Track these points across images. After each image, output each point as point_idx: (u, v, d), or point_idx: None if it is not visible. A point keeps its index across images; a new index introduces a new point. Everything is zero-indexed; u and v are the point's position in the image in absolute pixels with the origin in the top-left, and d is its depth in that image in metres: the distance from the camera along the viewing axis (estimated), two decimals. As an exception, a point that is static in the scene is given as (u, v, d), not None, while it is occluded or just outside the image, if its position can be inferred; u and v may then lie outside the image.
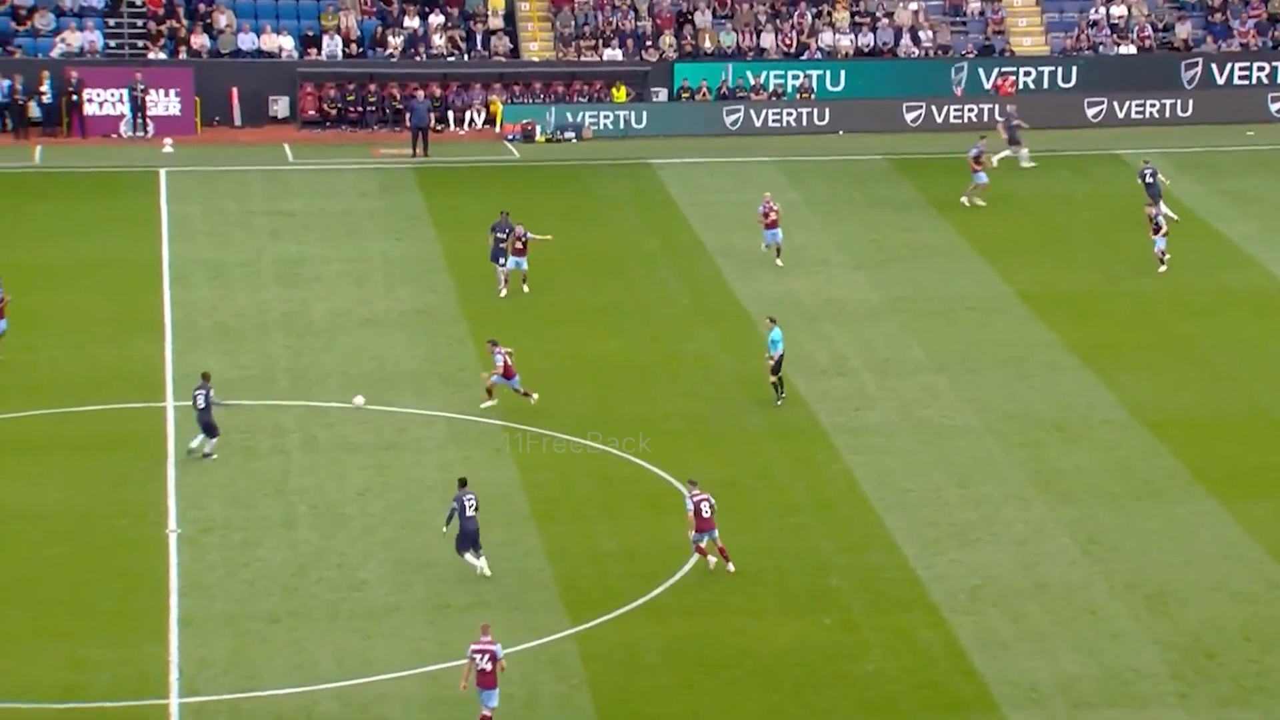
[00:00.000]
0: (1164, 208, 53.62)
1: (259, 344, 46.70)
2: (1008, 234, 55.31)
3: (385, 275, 51.71)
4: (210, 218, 56.37)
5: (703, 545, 35.51)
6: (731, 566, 35.40)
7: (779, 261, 51.61)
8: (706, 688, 31.97)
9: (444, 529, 35.58)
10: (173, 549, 36.31)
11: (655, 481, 39.32)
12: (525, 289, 49.46)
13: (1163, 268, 51.45)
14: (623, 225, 56.53)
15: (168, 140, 63.41)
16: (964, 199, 57.51)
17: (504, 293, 49.21)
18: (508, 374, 42.08)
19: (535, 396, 42.08)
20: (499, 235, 49.51)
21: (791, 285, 50.70)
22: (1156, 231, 51.56)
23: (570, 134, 65.43)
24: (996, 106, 65.32)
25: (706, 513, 35.22)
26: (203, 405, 39.47)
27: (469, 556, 35.15)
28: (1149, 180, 55.20)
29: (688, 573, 35.67)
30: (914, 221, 56.95)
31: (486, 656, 30.00)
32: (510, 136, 65.35)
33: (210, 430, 39.51)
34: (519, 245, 49.28)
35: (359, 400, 39.94)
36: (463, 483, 35.60)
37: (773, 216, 51.62)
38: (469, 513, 35.05)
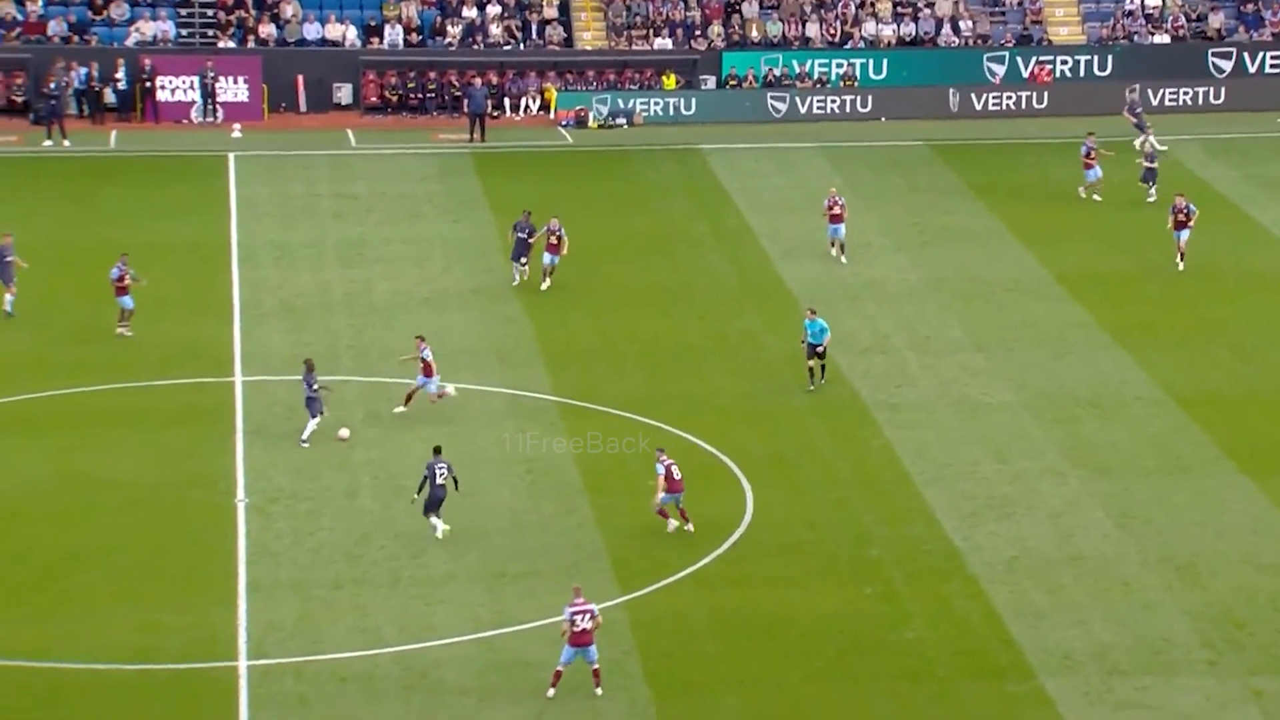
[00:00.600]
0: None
1: (323, 322, 46.80)
2: (1044, 218, 55.01)
3: (443, 256, 51.76)
4: (276, 200, 56.49)
5: (666, 508, 35.47)
6: (690, 527, 35.38)
7: (843, 259, 50.38)
8: (751, 654, 31.94)
9: (414, 496, 35.44)
10: (241, 518, 36.45)
11: (703, 455, 39.28)
12: (547, 284, 48.06)
13: (1181, 265, 50.05)
14: (672, 209, 56.42)
15: (236, 125, 63.57)
16: (1080, 191, 56.27)
17: (516, 282, 48.23)
18: (427, 373, 40.74)
19: (451, 389, 40.86)
20: (520, 235, 48.08)
21: (835, 267, 50.53)
22: (1179, 227, 49.90)
23: (622, 120, 65.33)
24: (1126, 93, 63.72)
25: (678, 475, 35.28)
26: (310, 391, 39.33)
27: (432, 519, 35.21)
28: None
29: (734, 544, 35.64)
30: (954, 205, 56.70)
31: (586, 616, 30.06)
32: (564, 122, 65.29)
33: (314, 410, 39.32)
34: (553, 241, 47.78)
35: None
36: (437, 451, 35.65)
37: (835, 210, 50.47)
38: (438, 480, 35.08)
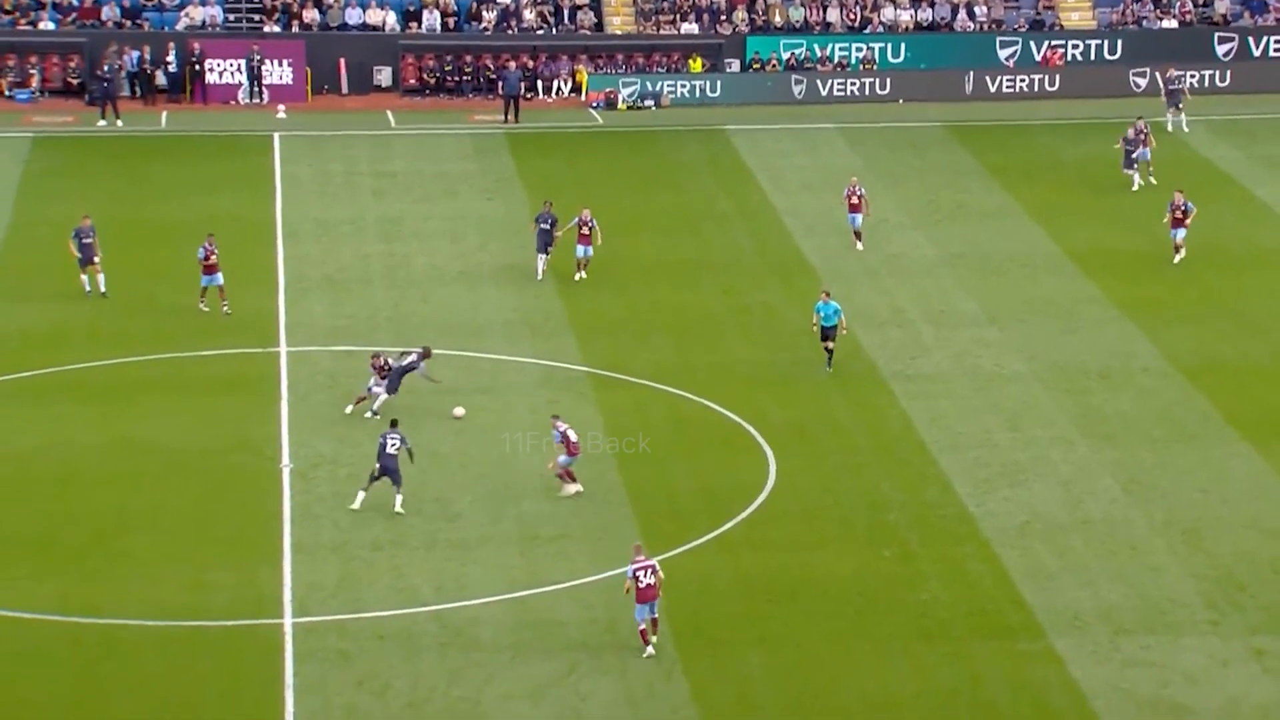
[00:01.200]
0: (1183, 117, 56.81)
1: (363, 295, 46.79)
2: (1057, 197, 54.73)
3: (479, 232, 51.68)
4: (319, 178, 56.46)
5: (567, 471, 35.30)
6: (579, 488, 35.14)
7: (859, 245, 49.39)
8: (773, 615, 31.90)
9: (375, 467, 35.08)
10: (285, 482, 36.49)
11: (727, 424, 39.21)
12: (582, 275, 46.66)
13: (1179, 256, 48.11)
14: (698, 187, 56.26)
15: (281, 107, 63.54)
16: (1151, 178, 54.48)
17: (541, 277, 46.59)
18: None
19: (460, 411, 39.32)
20: (544, 226, 46.45)
21: (853, 242, 50.32)
22: (1176, 225, 47.92)
23: (650, 102, 65.14)
24: (1159, 76, 62.76)
25: (574, 439, 35.20)
26: (403, 365, 38.92)
27: (361, 492, 34.89)
28: (1174, 89, 58.79)
29: (757, 509, 35.58)
30: (968, 184, 56.44)
31: (649, 572, 30.07)
32: (594, 104, 65.12)
33: (390, 387, 38.89)
34: (584, 232, 46.53)
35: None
36: (393, 423, 35.46)
37: (854, 200, 49.34)
38: (389, 450, 34.80)
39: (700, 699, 29.44)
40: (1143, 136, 54.92)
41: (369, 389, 39.14)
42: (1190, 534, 34.78)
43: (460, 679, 29.89)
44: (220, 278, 44.45)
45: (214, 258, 44.34)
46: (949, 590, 32.77)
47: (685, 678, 29.94)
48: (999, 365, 42.59)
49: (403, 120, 63.21)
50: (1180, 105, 60.94)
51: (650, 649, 30.26)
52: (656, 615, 30.41)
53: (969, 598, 32.54)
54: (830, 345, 41.65)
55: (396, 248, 50.38)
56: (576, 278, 46.97)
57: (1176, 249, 48.23)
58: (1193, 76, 66.57)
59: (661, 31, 67.86)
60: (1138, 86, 65.46)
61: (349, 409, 39.19)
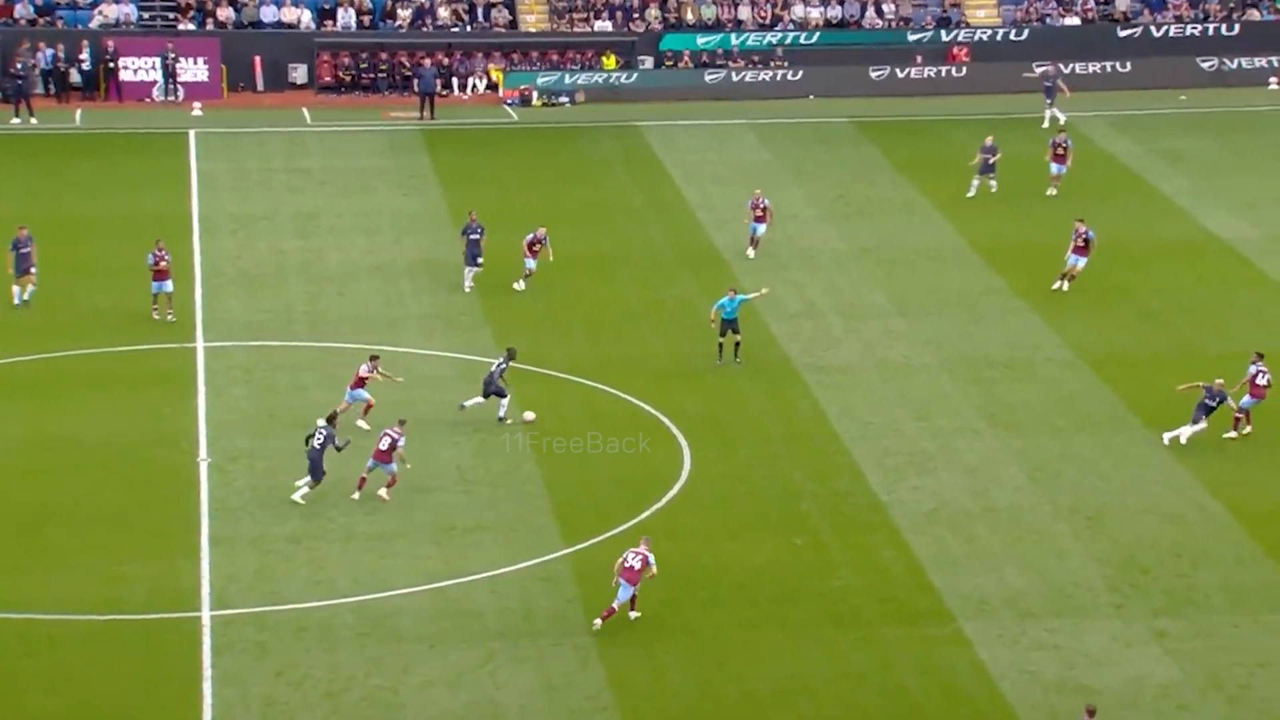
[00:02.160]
0: (1057, 110, 57.61)
1: (279, 290, 46.57)
2: (961, 191, 55.14)
3: (394, 228, 51.54)
4: (235, 175, 56.12)
5: (368, 475, 35.01)
6: (383, 493, 35.01)
7: (750, 252, 48.37)
8: (688, 602, 32.05)
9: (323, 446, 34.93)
10: (203, 476, 36.30)
11: (643, 416, 39.32)
12: (520, 286, 45.74)
13: (1066, 285, 46.19)
14: (612, 182, 56.34)
15: (196, 104, 63.10)
16: (1053, 189, 53.56)
17: (469, 289, 45.48)
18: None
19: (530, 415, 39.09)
20: (472, 236, 45.42)
21: (765, 236, 50.50)
22: (1079, 253, 46.02)
23: (564, 99, 65.17)
24: (1044, 70, 63.14)
25: (384, 447, 34.78)
26: (494, 373, 38.50)
27: (299, 482, 34.83)
28: (1047, 84, 60.49)
29: (672, 499, 35.72)
30: (876, 179, 56.82)
31: (639, 557, 30.75)
32: (509, 101, 65.08)
33: (494, 394, 38.33)
34: (535, 249, 45.68)
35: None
36: (329, 418, 35.35)
37: (758, 212, 48.57)
38: (314, 443, 34.69)
39: (616, 686, 29.55)
40: (1061, 151, 53.99)
41: (347, 400, 38.33)
42: (1093, 520, 35.22)
43: (378, 669, 29.86)
44: (170, 285, 43.60)
45: (164, 263, 43.56)
46: (860, 577, 33.04)
47: (601, 665, 30.05)
48: (907, 356, 42.94)
49: (318, 117, 62.91)
50: (1054, 100, 61.52)
51: (598, 623, 30.79)
52: (619, 605, 30.80)
53: (879, 584, 32.82)
54: (723, 341, 41.44)
55: (312, 243, 50.17)
56: (517, 286, 46.02)
57: (1065, 276, 46.20)
58: (1095, 69, 67.20)
59: (575, 29, 67.90)
60: (1047, 79, 65.62)
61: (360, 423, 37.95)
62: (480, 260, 45.81)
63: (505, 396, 38.52)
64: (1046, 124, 61.35)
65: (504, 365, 38.97)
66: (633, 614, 31.17)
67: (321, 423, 35.26)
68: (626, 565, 30.88)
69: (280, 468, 36.52)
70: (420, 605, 31.72)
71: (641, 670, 30.01)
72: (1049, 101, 61.82)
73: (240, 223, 51.69)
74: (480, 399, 38.62)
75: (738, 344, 41.74)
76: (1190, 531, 34.80)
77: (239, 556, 33.18)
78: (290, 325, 44.07)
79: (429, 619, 31.30)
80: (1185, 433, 37.93)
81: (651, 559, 31.04)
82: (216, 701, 28.88)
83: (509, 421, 38.29)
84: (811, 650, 30.68)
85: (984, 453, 37.99)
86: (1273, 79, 68.08)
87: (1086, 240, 46.51)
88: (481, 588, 32.27)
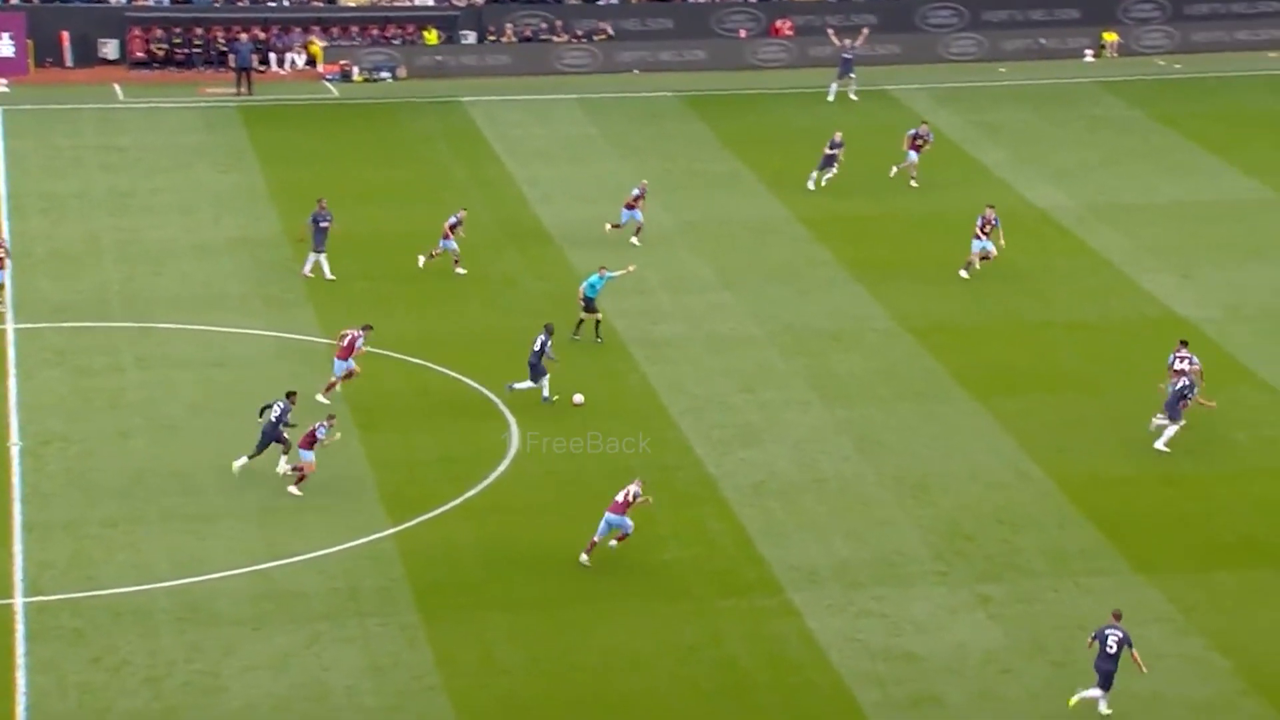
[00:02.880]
0: (844, 87, 58.92)
1: (93, 270, 45.68)
2: (786, 164, 55.57)
3: (212, 206, 50.77)
4: (44, 153, 54.91)
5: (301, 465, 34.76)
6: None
7: (635, 240, 47.68)
8: (518, 579, 32.02)
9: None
10: (15, 461, 35.53)
11: (469, 392, 39.16)
12: (460, 271, 45.26)
13: (966, 273, 46.24)
14: (435, 158, 55.99)
15: (2, 80, 61.60)
16: (913, 181, 53.23)
17: (309, 274, 44.66)
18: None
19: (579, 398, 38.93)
20: (323, 224, 44.41)
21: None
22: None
23: (385, 74, 64.60)
24: (845, 41, 63.09)
25: (622, 499, 34.48)
26: (536, 351, 38.16)
27: (282, 459, 34.74)
28: (846, 56, 61.63)
29: (500, 475, 35.63)
30: (702, 153, 57.07)
31: (630, 493, 32.13)
32: (329, 76, 64.37)
33: (536, 375, 38.10)
34: (455, 230, 45.12)
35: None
36: (288, 395, 35.21)
37: (629, 200, 48.09)
38: (269, 416, 34.59)
39: (444, 665, 29.45)
40: (920, 143, 53.51)
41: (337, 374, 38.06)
42: (918, 488, 35.76)
43: (199, 653, 29.47)
44: (5, 275, 42.37)
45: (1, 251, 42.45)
46: (689, 550, 33.24)
47: (429, 645, 29.93)
48: (734, 329, 43.23)
49: (131, 93, 61.73)
50: (852, 74, 61.93)
51: (585, 559, 32.07)
52: (601, 539, 31.91)
53: (708, 556, 33.04)
54: (584, 318, 41.59)
55: (127, 222, 49.26)
56: (459, 271, 45.46)
57: (971, 262, 46.03)
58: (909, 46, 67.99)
59: (396, 3, 67.29)
60: (845, 52, 65.46)
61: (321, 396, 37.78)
62: (324, 249, 44.77)
63: (545, 375, 38.30)
64: (832, 97, 61.75)
65: (546, 340, 38.45)
66: (612, 543, 32.40)
67: (278, 402, 34.62)
68: (618, 500, 31.97)
69: (95, 450, 35.87)
70: (242, 587, 31.35)
71: (469, 648, 29.93)
72: (851, 76, 61.95)
73: (51, 201, 50.59)
74: (530, 383, 38.28)
75: (598, 322, 41.79)
76: (1012, 497, 35.47)
77: (53, 542, 32.55)
78: (105, 306, 43.26)
79: (251, 601, 30.94)
80: (1170, 433, 37.22)
81: (637, 490, 32.18)
82: (31, 689, 28.33)
83: (555, 399, 38.22)
84: (641, 623, 30.81)
85: (811, 424, 38.38)
86: (1088, 51, 69.48)
87: (994, 225, 46.07)
88: (306, 568, 31.98)
